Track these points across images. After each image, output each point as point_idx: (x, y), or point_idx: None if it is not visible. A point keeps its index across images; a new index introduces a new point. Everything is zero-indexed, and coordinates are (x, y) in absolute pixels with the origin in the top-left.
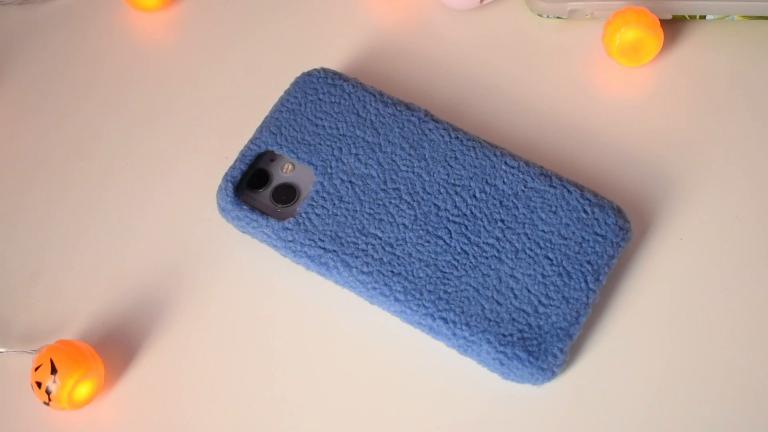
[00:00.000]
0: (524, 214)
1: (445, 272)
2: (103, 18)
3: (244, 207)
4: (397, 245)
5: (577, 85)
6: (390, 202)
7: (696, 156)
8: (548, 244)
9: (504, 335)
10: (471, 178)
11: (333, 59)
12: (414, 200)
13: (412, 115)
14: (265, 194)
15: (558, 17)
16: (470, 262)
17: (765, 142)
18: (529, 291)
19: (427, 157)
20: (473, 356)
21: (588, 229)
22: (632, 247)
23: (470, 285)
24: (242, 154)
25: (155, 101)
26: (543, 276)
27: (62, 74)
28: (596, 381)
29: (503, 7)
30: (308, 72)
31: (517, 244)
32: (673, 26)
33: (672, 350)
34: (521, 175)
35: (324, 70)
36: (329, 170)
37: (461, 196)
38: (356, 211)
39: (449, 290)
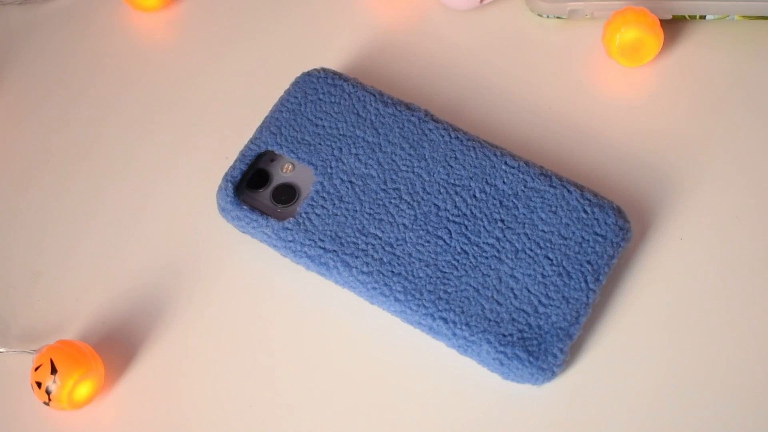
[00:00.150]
0: (524, 214)
1: (445, 272)
2: (103, 18)
3: (244, 207)
4: (397, 245)
5: (577, 85)
6: (390, 202)
7: (696, 156)
8: (548, 244)
9: (504, 335)
10: (471, 178)
11: (333, 59)
12: (414, 200)
13: (412, 115)
14: (265, 194)
15: (558, 17)
16: (470, 262)
17: (765, 142)
18: (529, 291)
19: (427, 157)
20: (473, 356)
21: (588, 229)
22: (632, 247)
23: (470, 285)
24: (242, 154)
25: (155, 101)
26: (543, 276)
27: (62, 74)
28: (596, 381)
29: (503, 7)
30: (308, 72)
31: (517, 244)
32: (673, 26)
33: (672, 350)
34: (521, 175)
35: (324, 70)
36: (329, 170)
37: (461, 196)
38: (356, 211)
39: (449, 290)
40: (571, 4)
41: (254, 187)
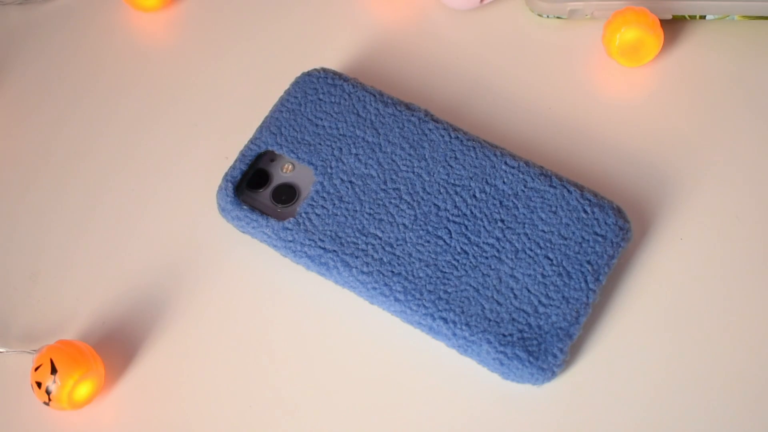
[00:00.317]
0: (524, 214)
1: (445, 272)
2: (103, 18)
3: (244, 207)
4: (397, 245)
5: (577, 85)
6: (390, 202)
7: (696, 156)
8: (548, 244)
9: (504, 335)
10: (471, 178)
11: (333, 59)
12: (414, 200)
13: (412, 115)
14: (265, 194)
15: (558, 17)
16: (470, 262)
17: (765, 142)
18: (529, 291)
19: (427, 157)
20: (473, 356)
21: (588, 229)
22: (632, 247)
23: (470, 285)
24: (242, 154)
25: (155, 101)
26: (543, 276)
27: (62, 74)
28: (596, 381)
29: (503, 7)
30: (308, 72)
31: (517, 244)
32: (673, 26)
33: (672, 350)
34: (521, 175)
35: (324, 70)
36: (329, 170)
37: (461, 196)
38: (356, 211)
39: (449, 290)
40: (571, 4)
41: (254, 187)
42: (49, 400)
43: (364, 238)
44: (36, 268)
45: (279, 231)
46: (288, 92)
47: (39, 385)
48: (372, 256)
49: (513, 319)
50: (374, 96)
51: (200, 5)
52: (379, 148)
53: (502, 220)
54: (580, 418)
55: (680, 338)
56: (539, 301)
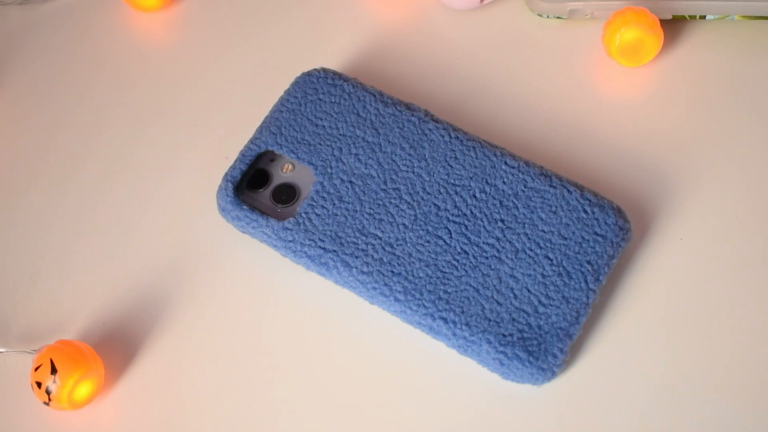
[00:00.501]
0: (524, 214)
1: (445, 272)
2: (103, 18)
3: (244, 207)
4: (397, 245)
5: (577, 85)
6: (390, 202)
7: (696, 156)
8: (548, 244)
9: (504, 335)
10: (471, 178)
11: (333, 59)
12: (414, 200)
13: (412, 115)
14: (265, 194)
15: (558, 17)
16: (470, 262)
17: (765, 142)
18: (529, 291)
19: (427, 157)
20: (473, 356)
21: (588, 229)
22: (632, 247)
23: (470, 285)
24: (242, 154)
25: (155, 101)
26: (543, 276)
27: (62, 74)
28: (596, 381)
29: (503, 7)
30: (308, 72)
31: (517, 244)
32: (673, 26)
33: (672, 350)
34: (521, 175)
35: (324, 70)
36: (329, 170)
37: (461, 196)
38: (356, 211)
39: (449, 290)
40: (571, 4)
41: (254, 187)
42: (49, 400)
43: (364, 238)
44: (36, 268)
45: (279, 231)
46: (288, 92)
47: (39, 385)
48: (372, 256)
49: (513, 319)
50: (374, 96)
51: (200, 5)
52: (379, 148)
53: (502, 220)
54: (580, 418)
55: (680, 338)
56: (539, 301)
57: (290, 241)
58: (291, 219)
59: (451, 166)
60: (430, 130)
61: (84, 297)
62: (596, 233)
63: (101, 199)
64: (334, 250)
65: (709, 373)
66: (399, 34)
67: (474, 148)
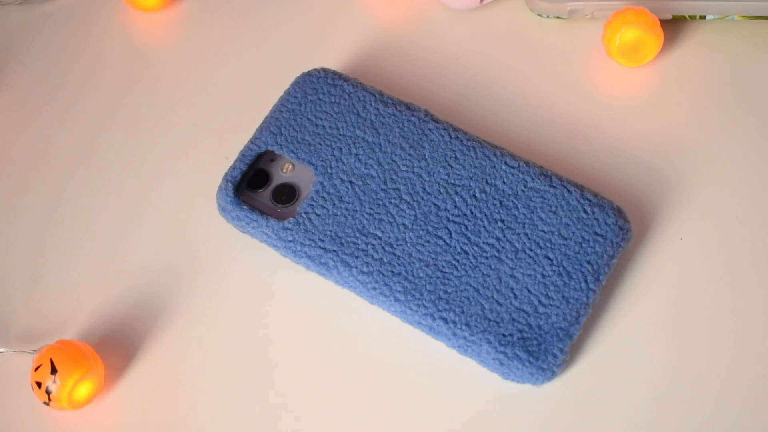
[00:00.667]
0: (524, 214)
1: (445, 272)
2: (103, 18)
3: (244, 207)
4: (397, 245)
5: (577, 85)
6: (390, 202)
7: (696, 156)
8: (548, 244)
9: (504, 335)
10: (471, 178)
11: (333, 59)
12: (414, 200)
13: (412, 115)
14: (265, 194)
15: (558, 17)
16: (470, 262)
17: (765, 142)
18: (529, 291)
19: (427, 157)
20: (473, 356)
21: (588, 229)
22: (632, 247)
23: (470, 285)
24: (242, 154)
25: (155, 101)
26: (543, 276)
27: (62, 74)
28: (596, 381)
29: (503, 7)
30: (308, 72)
31: (517, 244)
32: (673, 26)
33: (672, 350)
34: (521, 175)
35: (324, 70)
36: (329, 170)
37: (461, 196)
38: (356, 211)
39: (449, 290)
40: (571, 4)
41: (254, 187)
42: (49, 400)
43: (364, 238)
44: (36, 268)
45: (279, 231)
46: (288, 92)
47: (39, 385)
48: (372, 256)
49: (513, 319)
50: (374, 96)
51: (200, 5)
52: (379, 148)
53: (502, 220)
54: (580, 418)
55: (680, 338)
56: (539, 301)
57: (290, 241)
58: (291, 219)
59: (451, 166)
60: (430, 130)
61: (84, 297)
62: (596, 233)
63: (101, 199)
64: (334, 250)
65: (709, 372)
66: (399, 34)
67: (474, 148)
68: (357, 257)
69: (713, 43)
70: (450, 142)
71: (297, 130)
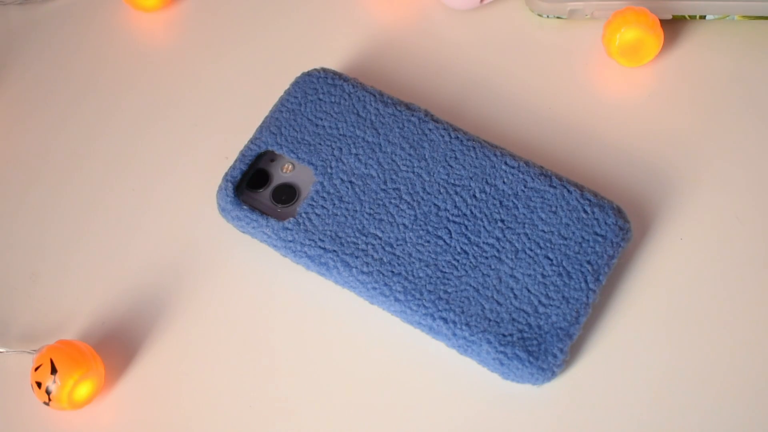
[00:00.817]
0: (524, 214)
1: (445, 272)
2: (103, 18)
3: (244, 207)
4: (397, 245)
5: (577, 85)
6: (390, 202)
7: (696, 156)
8: (548, 244)
9: (504, 335)
10: (471, 178)
11: (333, 59)
12: (414, 200)
13: (412, 115)
14: (265, 194)
15: (558, 17)
16: (470, 262)
17: (765, 142)
18: (529, 291)
19: (427, 157)
20: (473, 356)
21: (588, 229)
22: (632, 247)
23: (470, 285)
24: (242, 154)
25: (155, 101)
26: (543, 276)
27: (62, 74)
28: (596, 381)
29: (503, 7)
30: (308, 72)
31: (517, 244)
32: (673, 26)
33: (672, 350)
34: (521, 175)
35: (324, 70)
36: (329, 170)
37: (461, 196)
38: (356, 211)
39: (449, 290)
40: (571, 4)
41: (254, 187)
42: (49, 400)
43: (364, 238)
44: (36, 268)
45: (279, 231)
46: (288, 92)
47: (39, 385)
48: (372, 256)
49: (513, 319)
50: (374, 96)
51: (200, 5)
52: (379, 148)
53: (502, 220)
54: (580, 418)
55: (680, 338)
56: (539, 301)
57: (290, 241)
58: (291, 219)
59: (451, 166)
60: (430, 130)
61: (84, 297)
62: (596, 233)
63: (101, 198)
64: (334, 250)
65: (709, 372)
66: (399, 34)
67: (474, 148)
68: (357, 257)
69: (713, 43)
70: (450, 142)
71: (297, 130)
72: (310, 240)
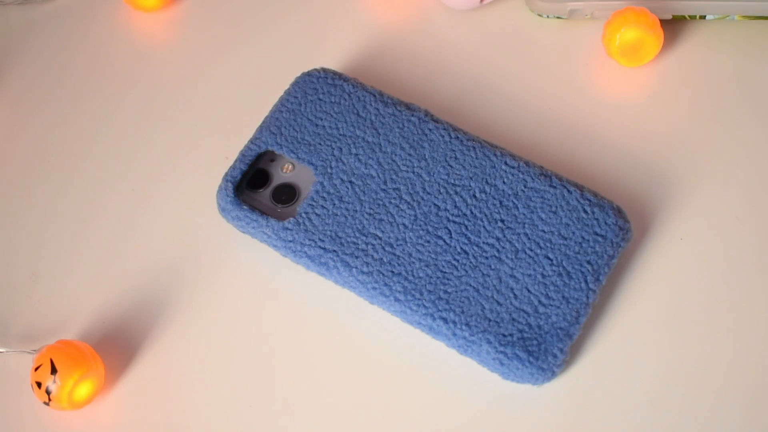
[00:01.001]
0: (524, 214)
1: (445, 272)
2: (103, 18)
3: (244, 207)
4: (397, 245)
5: (577, 85)
6: (390, 202)
7: (696, 156)
8: (548, 244)
9: (504, 335)
10: (471, 178)
11: (333, 59)
12: (414, 200)
13: (412, 115)
14: (265, 194)
15: (558, 17)
16: (470, 262)
17: (765, 142)
18: (529, 291)
19: (427, 157)
20: (473, 356)
21: (588, 229)
22: (632, 247)
23: (470, 285)
24: (242, 154)
25: (155, 101)
26: (543, 276)
27: (62, 74)
28: (596, 381)
29: (503, 7)
30: (308, 72)
31: (517, 244)
32: (673, 26)
33: (672, 350)
34: (521, 175)
35: (324, 70)
36: (329, 170)
37: (461, 196)
38: (356, 211)
39: (449, 290)
40: (571, 4)
41: (254, 187)
42: (49, 400)
43: (364, 238)
44: (36, 268)
45: (279, 231)
46: (288, 92)
47: (39, 385)
48: (372, 256)
49: (513, 319)
50: (374, 96)
51: (200, 5)
52: (379, 148)
53: (502, 220)
54: (580, 418)
55: (680, 338)
56: (539, 301)
57: (290, 241)
58: (291, 219)
59: (451, 166)
60: (430, 130)
61: (84, 297)
62: (596, 233)
63: (101, 199)
64: (334, 250)
65: (709, 372)
66: (399, 34)
67: (474, 148)
68: (357, 257)
69: (713, 43)
70: (450, 142)
71: (297, 130)
72: (310, 240)
